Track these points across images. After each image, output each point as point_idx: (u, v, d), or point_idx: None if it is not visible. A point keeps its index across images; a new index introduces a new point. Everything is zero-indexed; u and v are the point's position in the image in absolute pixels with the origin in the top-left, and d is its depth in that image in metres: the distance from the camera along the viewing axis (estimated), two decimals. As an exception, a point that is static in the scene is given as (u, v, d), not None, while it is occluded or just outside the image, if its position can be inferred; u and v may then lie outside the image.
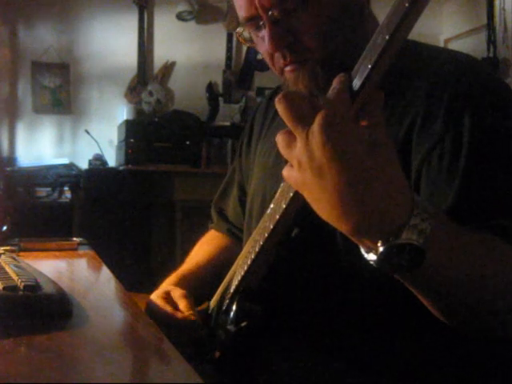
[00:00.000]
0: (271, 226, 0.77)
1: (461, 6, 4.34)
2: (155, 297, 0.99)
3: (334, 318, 0.82)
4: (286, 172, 0.58)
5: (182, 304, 0.95)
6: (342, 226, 0.55)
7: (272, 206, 0.80)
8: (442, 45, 4.34)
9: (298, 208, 0.73)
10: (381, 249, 0.54)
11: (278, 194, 0.79)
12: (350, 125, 0.52)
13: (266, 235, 0.78)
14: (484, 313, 0.65)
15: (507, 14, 3.88)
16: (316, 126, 0.52)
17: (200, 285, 1.05)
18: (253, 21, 0.83)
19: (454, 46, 4.33)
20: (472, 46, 4.09)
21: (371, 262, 0.56)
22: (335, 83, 0.55)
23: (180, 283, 1.03)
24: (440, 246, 0.57)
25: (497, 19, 3.93)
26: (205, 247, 1.17)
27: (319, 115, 0.52)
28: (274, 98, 1.07)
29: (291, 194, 0.69)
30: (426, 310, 0.66)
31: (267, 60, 0.87)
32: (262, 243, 0.80)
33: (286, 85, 0.87)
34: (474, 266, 0.61)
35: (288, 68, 0.84)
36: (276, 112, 1.04)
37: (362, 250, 0.58)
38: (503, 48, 3.92)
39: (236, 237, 1.14)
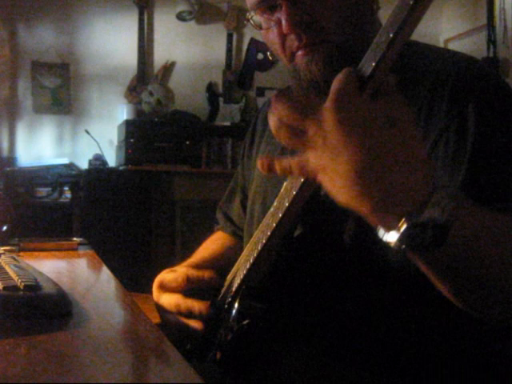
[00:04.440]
0: (274, 225, 0.77)
1: (461, 6, 4.33)
2: (162, 275, 0.98)
3: (337, 317, 0.82)
4: (298, 162, 0.55)
5: (190, 271, 0.95)
6: (361, 207, 0.53)
7: (275, 204, 0.80)
8: (441, 45, 4.34)
9: (301, 206, 0.72)
10: (403, 227, 0.52)
11: (281, 192, 0.78)
12: (363, 102, 0.51)
13: (269, 233, 0.78)
14: (502, 292, 0.63)
15: (507, 14, 3.88)
16: (329, 105, 0.51)
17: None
18: (268, 2, 0.82)
19: (453, 46, 4.33)
20: (472, 46, 4.09)
21: (391, 244, 0.54)
22: (339, 74, 0.54)
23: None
24: (461, 223, 0.55)
25: (497, 19, 3.93)
26: (210, 245, 1.17)
27: (331, 95, 0.51)
28: None
29: (294, 193, 0.68)
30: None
31: (277, 47, 0.85)
32: (264, 241, 0.80)
33: (296, 71, 0.84)
34: (493, 243, 0.60)
35: (300, 52, 0.82)
36: None
37: (381, 233, 0.55)
38: (503, 48, 3.92)
39: (242, 239, 1.14)
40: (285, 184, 0.80)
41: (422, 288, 0.78)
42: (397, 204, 0.52)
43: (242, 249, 0.97)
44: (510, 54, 3.90)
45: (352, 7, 0.81)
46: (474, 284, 0.62)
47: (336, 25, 0.80)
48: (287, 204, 0.72)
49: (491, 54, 3.92)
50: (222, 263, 1.08)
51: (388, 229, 0.54)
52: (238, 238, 1.16)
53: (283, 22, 0.79)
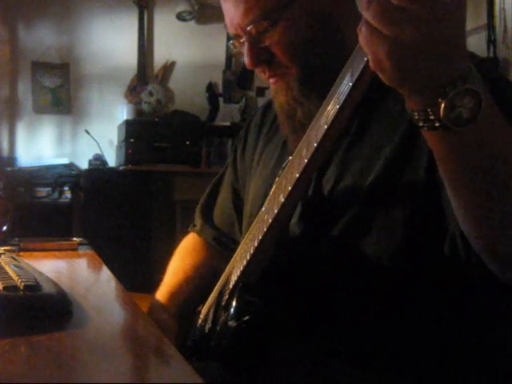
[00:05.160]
0: (270, 220, 0.78)
1: (461, 6, 4.33)
2: None
3: (336, 313, 0.82)
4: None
5: None
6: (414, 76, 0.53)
7: (267, 202, 0.81)
8: (442, 45, 4.33)
9: (297, 201, 0.73)
10: (450, 94, 0.52)
11: (274, 188, 0.79)
12: None
13: (265, 229, 0.79)
14: None
15: (507, 14, 3.88)
16: None
17: (185, 304, 1.08)
18: (236, 38, 0.87)
19: (454, 45, 4.32)
20: (472, 46, 4.08)
21: (430, 115, 0.53)
22: None
23: (166, 305, 1.08)
24: (490, 112, 0.55)
25: (497, 19, 3.93)
26: (183, 263, 1.17)
27: None
28: (269, 110, 1.09)
29: (290, 188, 0.69)
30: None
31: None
32: (260, 237, 0.80)
33: (272, 95, 0.92)
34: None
35: (270, 80, 0.89)
36: (273, 121, 1.05)
37: (411, 101, 0.55)
38: (503, 48, 3.92)
39: (221, 245, 1.12)
40: (277, 180, 0.81)
41: (422, 286, 0.78)
42: (443, 73, 0.53)
43: (220, 260, 0.98)
44: (510, 54, 3.90)
45: (310, 38, 0.82)
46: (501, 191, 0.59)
47: (293, 59, 0.84)
48: (283, 199, 0.73)
49: (491, 54, 3.92)
50: (200, 284, 1.10)
51: (432, 101, 0.53)
52: (218, 244, 1.13)
53: (246, 58, 0.85)
